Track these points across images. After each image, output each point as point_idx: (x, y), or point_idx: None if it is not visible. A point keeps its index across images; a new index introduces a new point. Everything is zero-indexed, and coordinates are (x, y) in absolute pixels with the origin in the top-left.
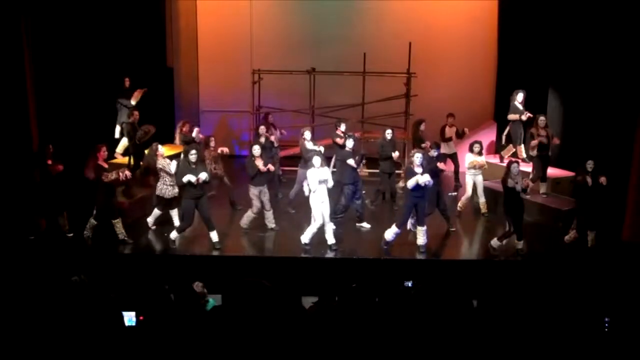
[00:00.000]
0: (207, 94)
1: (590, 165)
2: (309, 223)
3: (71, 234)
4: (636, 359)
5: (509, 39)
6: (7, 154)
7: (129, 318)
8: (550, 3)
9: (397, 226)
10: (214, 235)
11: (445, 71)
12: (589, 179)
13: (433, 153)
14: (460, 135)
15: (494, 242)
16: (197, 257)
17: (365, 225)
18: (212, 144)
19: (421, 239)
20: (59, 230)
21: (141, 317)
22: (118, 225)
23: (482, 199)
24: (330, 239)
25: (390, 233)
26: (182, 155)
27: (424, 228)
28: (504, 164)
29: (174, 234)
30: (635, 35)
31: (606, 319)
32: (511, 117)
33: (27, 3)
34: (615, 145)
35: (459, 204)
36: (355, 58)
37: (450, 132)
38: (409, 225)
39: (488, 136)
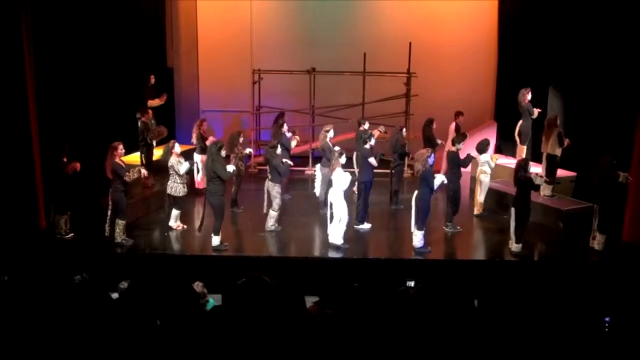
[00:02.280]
0: (207, 94)
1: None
2: (308, 223)
3: (70, 235)
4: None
5: (509, 39)
6: (6, 154)
7: None
8: (550, 3)
9: (419, 229)
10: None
11: (445, 71)
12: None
13: (459, 146)
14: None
15: (515, 247)
16: (197, 257)
17: (365, 226)
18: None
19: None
20: (56, 230)
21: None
22: (121, 226)
23: (481, 199)
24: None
25: (417, 240)
26: (210, 151)
27: (422, 231)
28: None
29: (216, 240)
30: (635, 35)
31: (606, 319)
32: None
33: (27, 2)
34: (615, 144)
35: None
36: (355, 58)
37: (450, 130)
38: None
39: (488, 136)
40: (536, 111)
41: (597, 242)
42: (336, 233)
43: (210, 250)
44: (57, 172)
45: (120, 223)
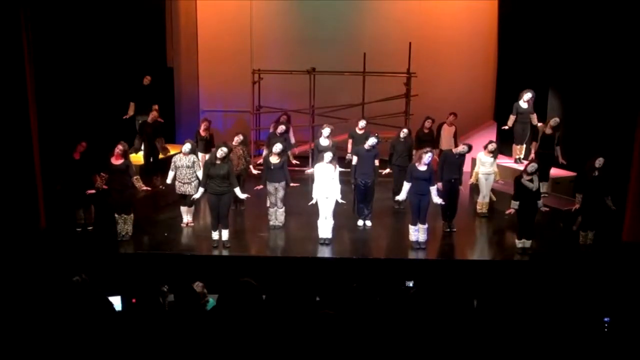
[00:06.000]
0: (207, 94)
1: (599, 162)
2: (308, 222)
3: (91, 227)
4: (636, 359)
5: (509, 39)
6: (6, 154)
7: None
8: (550, 3)
9: (412, 224)
10: (225, 234)
11: (445, 71)
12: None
13: (462, 149)
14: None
15: (527, 242)
16: (197, 257)
17: (367, 223)
18: (237, 139)
19: (422, 236)
20: (74, 224)
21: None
22: (129, 221)
23: (486, 199)
24: (322, 233)
25: (411, 234)
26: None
27: (425, 226)
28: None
29: (215, 235)
30: (635, 35)
31: (606, 319)
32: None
33: (27, 3)
34: (615, 145)
35: (477, 206)
36: (355, 58)
37: (449, 131)
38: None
39: (488, 136)
40: (511, 118)
41: (581, 237)
42: (326, 228)
43: (210, 251)
44: (69, 168)
45: (128, 217)
